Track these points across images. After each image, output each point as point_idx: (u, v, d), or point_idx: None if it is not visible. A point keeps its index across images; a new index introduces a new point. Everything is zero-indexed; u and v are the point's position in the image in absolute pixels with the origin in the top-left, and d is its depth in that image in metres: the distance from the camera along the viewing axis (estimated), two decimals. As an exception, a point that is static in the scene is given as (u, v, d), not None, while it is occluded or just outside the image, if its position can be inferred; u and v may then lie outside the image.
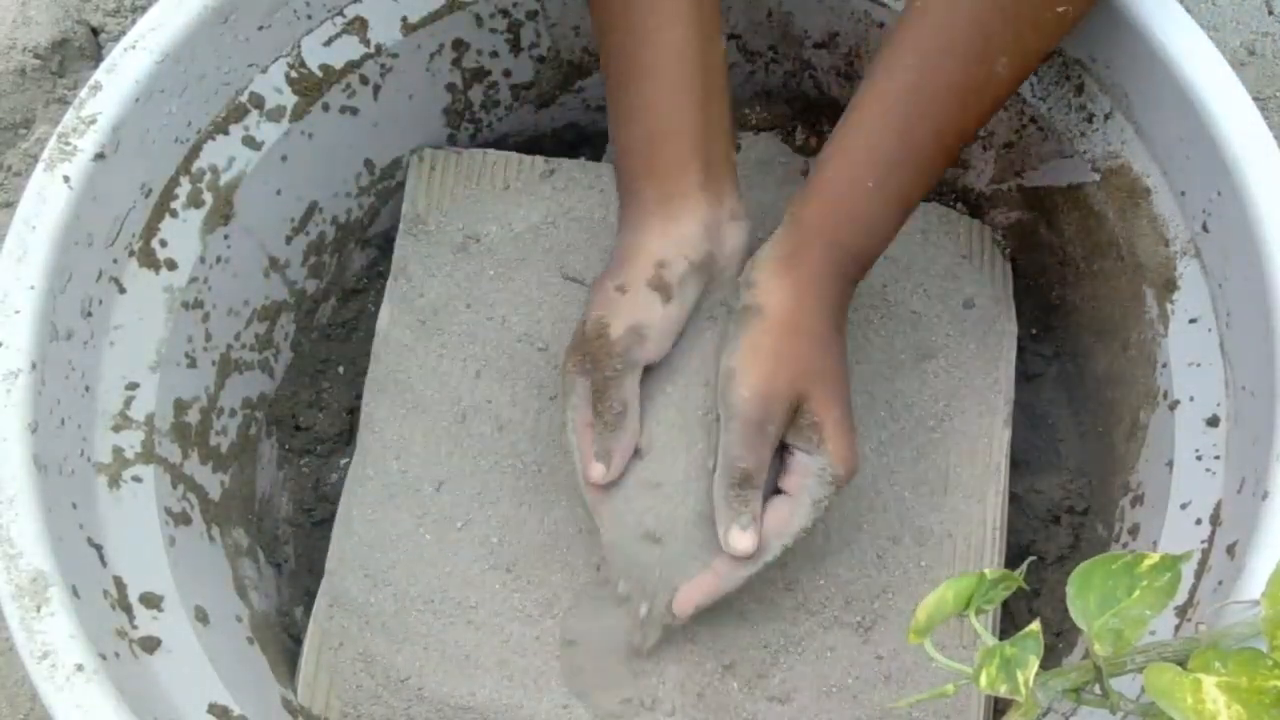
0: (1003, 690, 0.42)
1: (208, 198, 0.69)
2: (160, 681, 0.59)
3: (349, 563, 0.70)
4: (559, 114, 0.85)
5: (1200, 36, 0.61)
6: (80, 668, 0.52)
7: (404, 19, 0.74)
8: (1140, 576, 0.44)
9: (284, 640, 0.72)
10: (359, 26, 0.72)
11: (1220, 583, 0.56)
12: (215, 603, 0.66)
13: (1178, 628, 0.58)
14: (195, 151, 0.68)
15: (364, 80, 0.74)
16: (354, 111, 0.75)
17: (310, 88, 0.72)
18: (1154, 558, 0.45)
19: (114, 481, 0.63)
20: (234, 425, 0.74)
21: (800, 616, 0.67)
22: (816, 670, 0.66)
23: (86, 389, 0.62)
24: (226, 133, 0.69)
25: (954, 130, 0.62)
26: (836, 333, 0.62)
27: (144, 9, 0.68)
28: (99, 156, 0.61)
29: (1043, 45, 0.63)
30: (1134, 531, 0.68)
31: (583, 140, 0.87)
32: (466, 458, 0.72)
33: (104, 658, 0.54)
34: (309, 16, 0.70)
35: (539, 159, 0.80)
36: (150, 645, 0.59)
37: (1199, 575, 0.59)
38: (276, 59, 0.70)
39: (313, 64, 0.72)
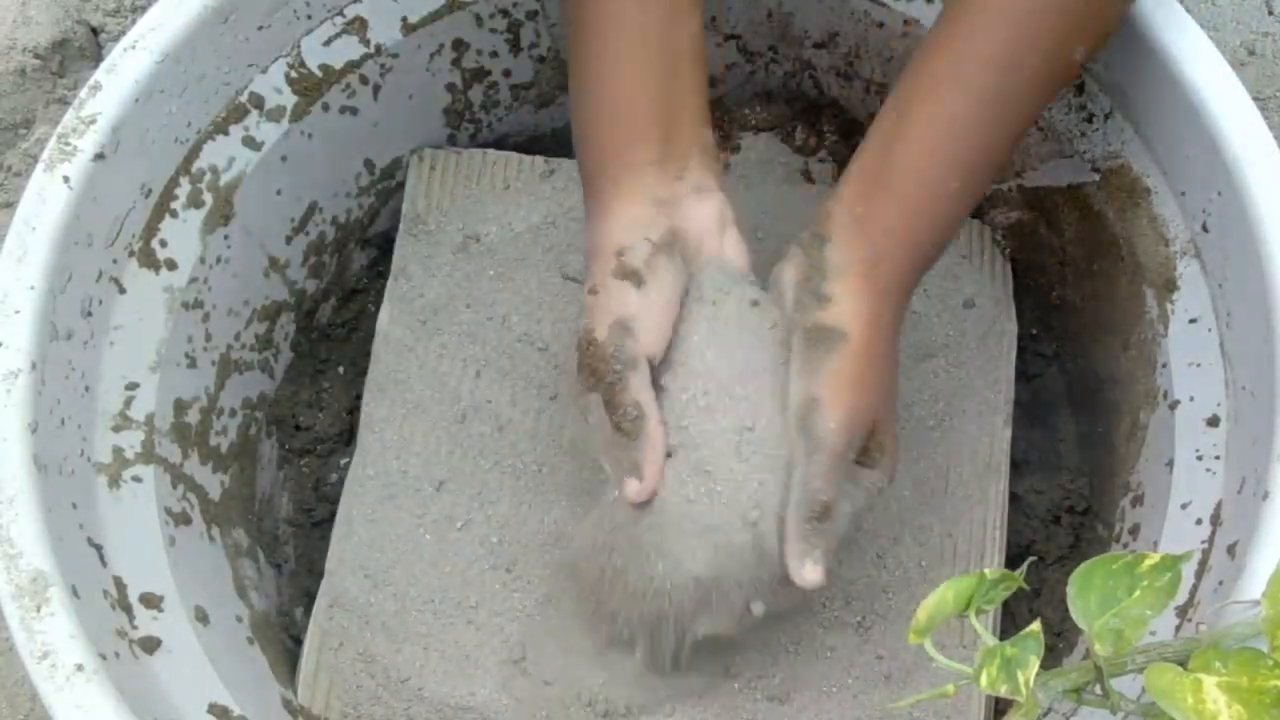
0: (1003, 690, 0.42)
1: (208, 198, 0.69)
2: (160, 681, 0.59)
3: (349, 563, 0.70)
4: (559, 114, 0.85)
5: (1200, 36, 0.61)
6: (80, 668, 0.52)
7: (404, 19, 0.74)
8: (1141, 576, 0.44)
9: (284, 640, 0.72)
10: (359, 26, 0.72)
11: (1220, 583, 0.56)
12: (215, 603, 0.66)
13: (1178, 628, 0.58)
14: (195, 151, 0.68)
15: (364, 80, 0.74)
16: (354, 111, 0.75)
17: (310, 88, 0.72)
18: (1154, 558, 0.45)
19: (114, 481, 0.63)
20: (234, 425, 0.74)
21: (800, 616, 0.67)
22: (816, 670, 0.66)
23: (86, 389, 0.62)
24: (226, 133, 0.69)
25: (1028, 126, 0.59)
26: (896, 348, 0.60)
27: (144, 9, 0.68)
28: (99, 156, 0.61)
29: (1112, 27, 0.60)
30: (1134, 531, 0.68)
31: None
32: (466, 458, 0.72)
33: (104, 658, 0.54)
34: (309, 16, 0.70)
35: (539, 159, 0.80)
36: (150, 645, 0.59)
37: (1199, 575, 0.59)
38: (276, 59, 0.70)
39: (313, 64, 0.72)
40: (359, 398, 0.76)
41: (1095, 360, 0.76)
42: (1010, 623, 0.73)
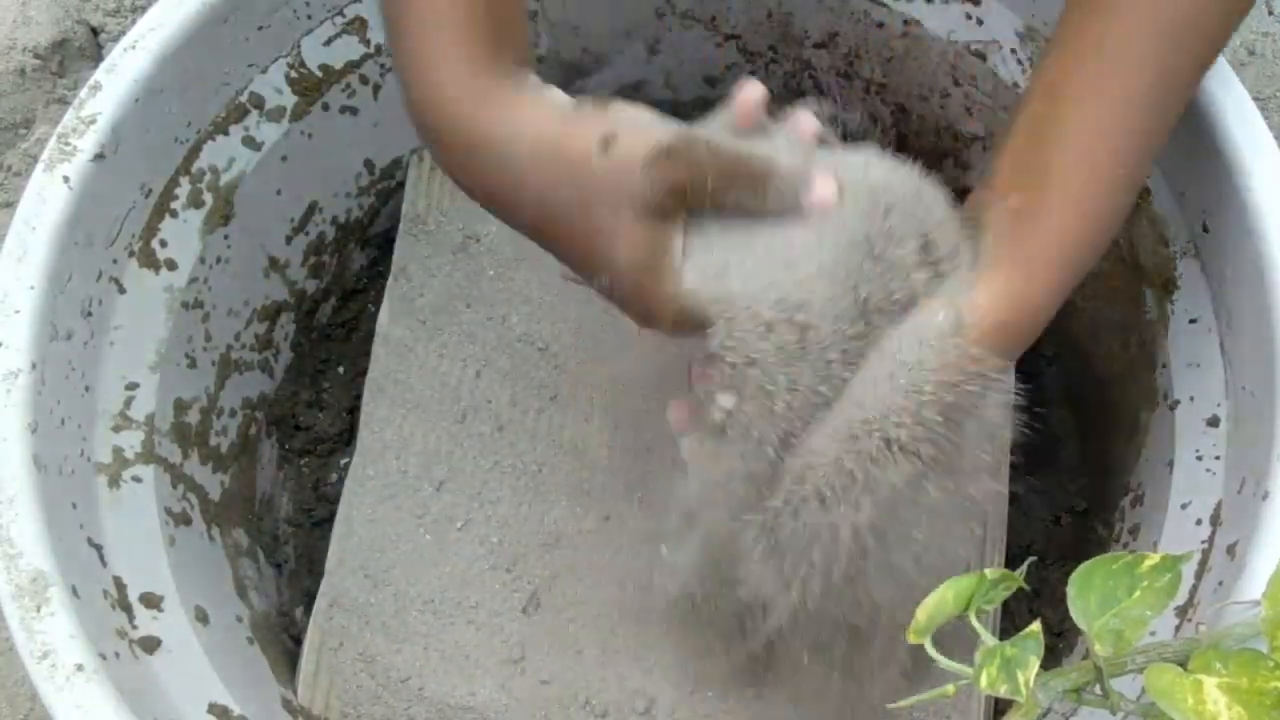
0: (1003, 691, 0.42)
1: (208, 198, 0.69)
2: (160, 681, 0.59)
3: (349, 563, 0.70)
4: (559, 114, 0.85)
5: (1200, 36, 0.61)
6: (80, 668, 0.52)
7: (404, 19, 0.74)
8: (1141, 577, 0.44)
9: (284, 640, 0.72)
10: (359, 26, 0.72)
11: (1220, 583, 0.56)
12: (215, 603, 0.66)
13: (1178, 628, 0.58)
14: (195, 151, 0.68)
15: (364, 80, 0.74)
16: (354, 111, 0.75)
17: (310, 88, 0.72)
18: (1154, 558, 0.45)
19: (114, 481, 0.63)
20: (234, 425, 0.74)
21: (800, 616, 0.67)
22: (816, 669, 0.66)
23: (86, 389, 0.62)
24: (226, 133, 0.69)
25: (1183, 110, 0.54)
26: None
27: (144, 9, 0.68)
28: (99, 156, 0.61)
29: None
30: (1134, 531, 0.68)
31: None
32: (466, 458, 0.72)
33: (104, 658, 0.54)
34: (309, 16, 0.70)
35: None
36: (150, 645, 0.59)
37: (1199, 575, 0.59)
38: (276, 59, 0.70)
39: (313, 64, 0.72)
40: (359, 398, 0.76)
41: (1095, 360, 0.76)
42: (1010, 623, 0.73)
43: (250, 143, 0.70)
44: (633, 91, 0.85)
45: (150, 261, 0.66)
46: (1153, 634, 0.51)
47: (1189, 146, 0.62)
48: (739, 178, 0.49)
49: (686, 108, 0.85)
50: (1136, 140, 0.52)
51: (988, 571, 0.46)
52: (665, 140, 0.48)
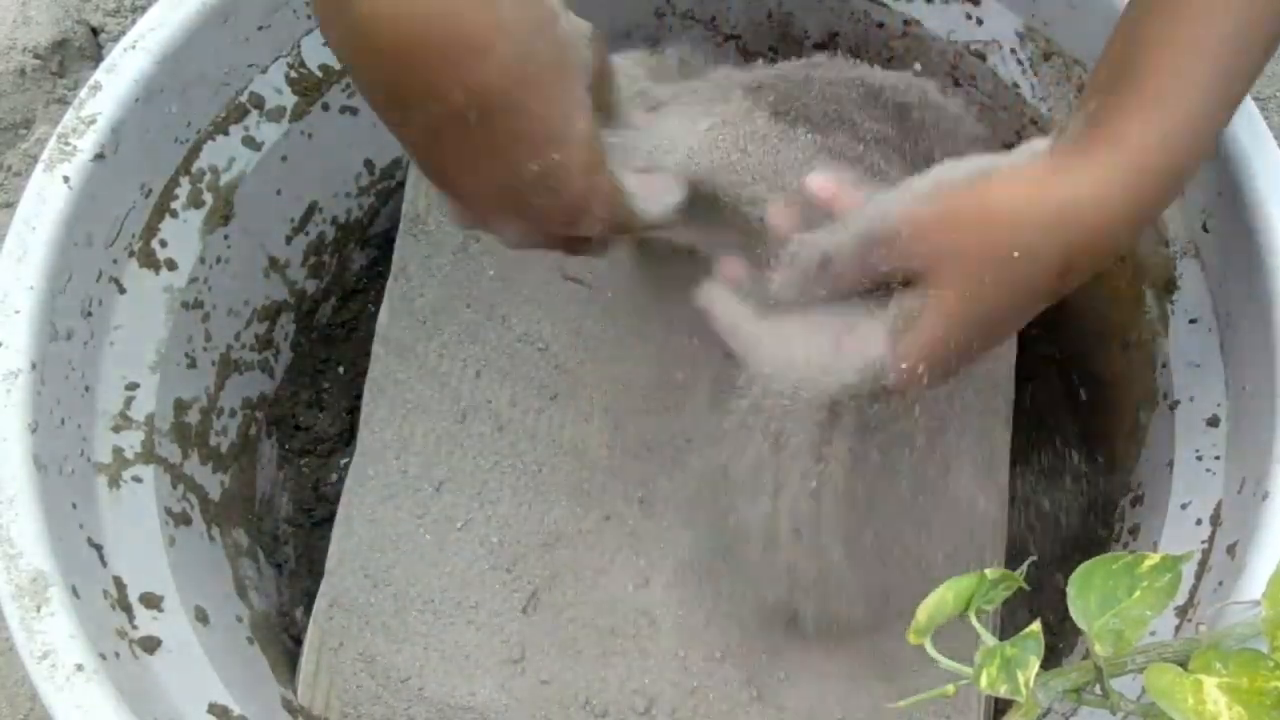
0: (1003, 690, 0.42)
1: (208, 198, 0.69)
2: (160, 681, 0.59)
3: (349, 563, 0.70)
4: (559, 114, 0.85)
5: (1200, 36, 0.61)
6: (80, 668, 0.52)
7: (404, 19, 0.74)
8: (1141, 577, 0.44)
9: (284, 640, 0.72)
10: (359, 26, 0.72)
11: (1220, 583, 0.56)
12: (215, 603, 0.66)
13: (1178, 628, 0.58)
14: (195, 151, 0.68)
15: (364, 80, 0.74)
16: (354, 111, 0.75)
17: (310, 88, 0.72)
18: (1154, 558, 0.45)
19: (114, 481, 0.63)
20: (234, 425, 0.74)
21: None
22: (817, 670, 0.66)
23: (86, 389, 0.62)
24: (226, 133, 0.69)
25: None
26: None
27: (144, 9, 0.68)
28: (99, 156, 0.61)
29: None
30: (1134, 531, 0.68)
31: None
32: (466, 458, 0.72)
33: (104, 658, 0.54)
34: (309, 16, 0.70)
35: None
36: (150, 645, 0.59)
37: (1199, 576, 0.59)
38: (276, 59, 0.70)
39: (313, 64, 0.72)
40: (359, 398, 0.76)
41: (1095, 360, 0.76)
42: (1010, 623, 0.73)
43: (250, 143, 0.70)
44: (633, 91, 0.85)
45: (150, 261, 0.66)
46: (1153, 634, 0.51)
47: (1189, 146, 0.62)
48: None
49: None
50: (1219, 78, 0.48)
51: (988, 571, 0.46)
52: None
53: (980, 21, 0.71)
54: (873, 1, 0.73)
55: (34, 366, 0.57)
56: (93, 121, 0.61)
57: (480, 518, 0.71)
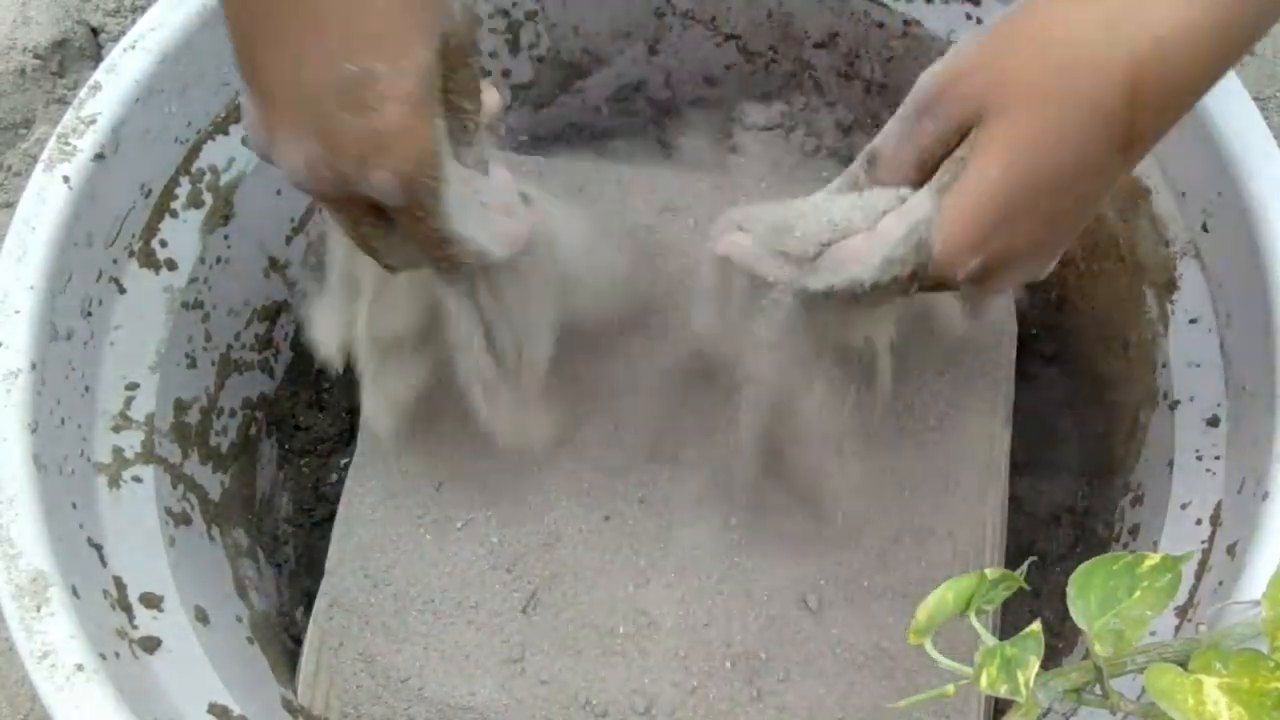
0: (1003, 691, 0.42)
1: (208, 198, 0.69)
2: (160, 681, 0.59)
3: (349, 563, 0.70)
4: (558, 114, 0.85)
5: (1200, 36, 0.61)
6: (80, 668, 0.52)
7: (404, 19, 0.74)
8: (1141, 577, 0.44)
9: (284, 640, 0.72)
10: (359, 26, 0.72)
11: (1220, 583, 0.56)
12: (215, 603, 0.66)
13: (1178, 628, 0.58)
14: (195, 151, 0.68)
15: (364, 80, 0.74)
16: (354, 111, 0.75)
17: (310, 88, 0.72)
18: (1155, 558, 0.45)
19: (114, 481, 0.63)
20: (234, 425, 0.74)
21: (801, 615, 0.67)
22: (817, 669, 0.66)
23: (86, 389, 0.62)
24: (226, 133, 0.69)
25: None
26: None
27: (144, 9, 0.68)
28: (99, 156, 0.61)
29: None
30: (1134, 532, 0.68)
31: (583, 140, 0.87)
32: (466, 458, 0.72)
33: (104, 658, 0.54)
34: (309, 16, 0.70)
35: (538, 159, 0.80)
36: (150, 645, 0.59)
37: (1199, 576, 0.59)
38: (276, 59, 0.70)
39: (313, 64, 0.72)
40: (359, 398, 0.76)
41: (1095, 360, 0.76)
42: (1010, 623, 0.73)
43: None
44: (633, 91, 0.85)
45: (150, 261, 0.66)
46: (1153, 634, 0.51)
47: (1189, 146, 0.62)
48: None
49: (686, 108, 0.85)
50: None
51: (988, 571, 0.46)
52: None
53: (981, 21, 0.71)
54: (873, 1, 0.73)
55: (34, 366, 0.57)
56: (93, 121, 0.61)
57: (480, 518, 0.71)
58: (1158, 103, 0.43)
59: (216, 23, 0.65)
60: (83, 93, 0.62)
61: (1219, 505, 0.60)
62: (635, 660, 0.66)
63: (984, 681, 0.42)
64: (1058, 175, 0.44)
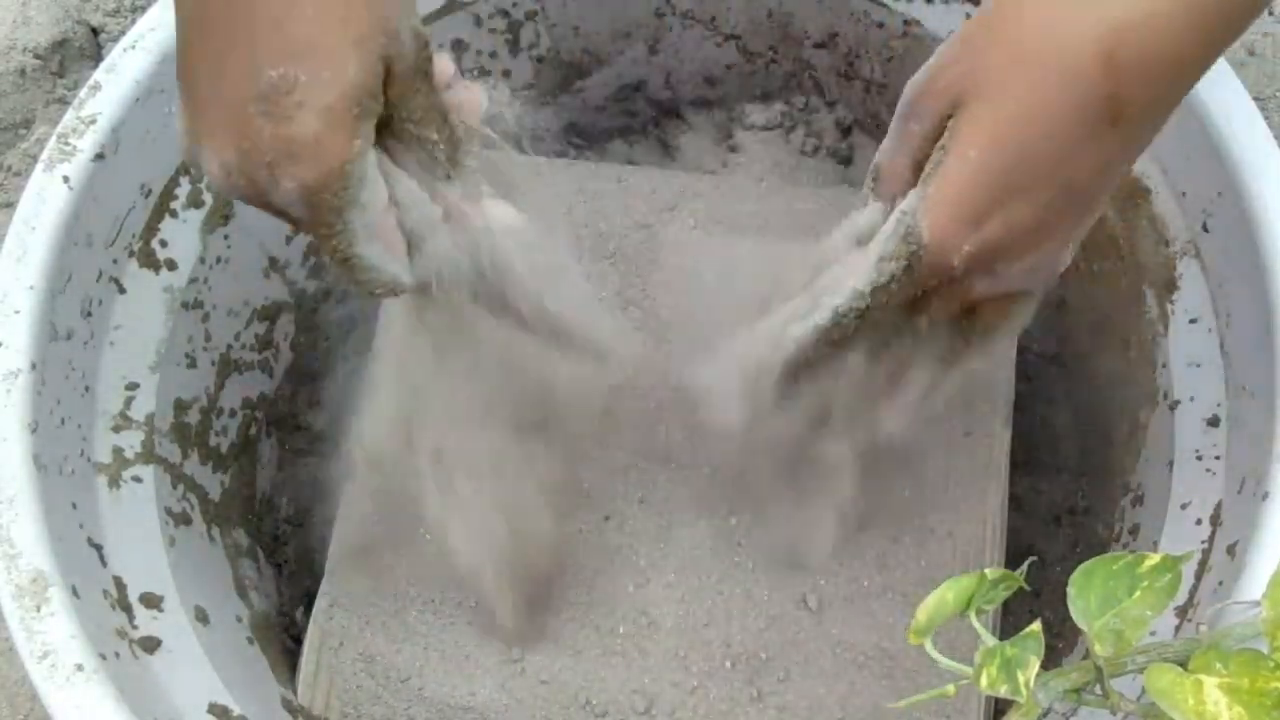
0: (1003, 691, 0.42)
1: (208, 198, 0.69)
2: (160, 681, 0.59)
3: (349, 563, 0.70)
4: (558, 114, 0.85)
5: (1200, 37, 0.61)
6: (80, 668, 0.52)
7: (404, 19, 0.74)
8: (1141, 577, 0.44)
9: (284, 640, 0.72)
10: (359, 26, 0.72)
11: (1221, 583, 0.56)
12: (215, 603, 0.66)
13: (1178, 628, 0.58)
14: (195, 151, 0.68)
15: (364, 80, 0.74)
16: (354, 111, 0.75)
17: (310, 88, 0.72)
18: (1155, 558, 0.45)
19: (114, 481, 0.63)
20: (234, 425, 0.74)
21: (801, 615, 0.67)
22: (817, 669, 0.66)
23: (86, 389, 0.62)
24: (226, 133, 0.69)
25: None
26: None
27: (144, 9, 0.68)
28: (99, 156, 0.61)
29: None
30: (1134, 531, 0.68)
31: (583, 140, 0.87)
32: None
33: (104, 658, 0.54)
34: (309, 16, 0.70)
35: (538, 159, 0.80)
36: (150, 645, 0.59)
37: (1199, 576, 0.59)
38: (276, 59, 0.70)
39: (313, 64, 0.71)
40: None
41: (1095, 360, 0.76)
42: (1010, 623, 0.73)
43: (250, 143, 0.70)
44: (633, 91, 0.85)
45: (150, 261, 0.66)
46: (1153, 634, 0.51)
47: (1189, 146, 0.62)
48: None
49: (687, 108, 0.86)
50: None
51: (988, 571, 0.46)
52: None
53: (980, 21, 0.71)
54: (873, 1, 0.73)
55: (34, 366, 0.57)
56: (93, 121, 0.61)
57: (480, 518, 0.71)
58: (1140, 70, 0.42)
59: (216, 23, 0.65)
60: (83, 93, 0.62)
61: (1219, 505, 0.60)
62: (635, 660, 0.66)
63: (984, 681, 0.42)
64: (1042, 149, 0.43)
